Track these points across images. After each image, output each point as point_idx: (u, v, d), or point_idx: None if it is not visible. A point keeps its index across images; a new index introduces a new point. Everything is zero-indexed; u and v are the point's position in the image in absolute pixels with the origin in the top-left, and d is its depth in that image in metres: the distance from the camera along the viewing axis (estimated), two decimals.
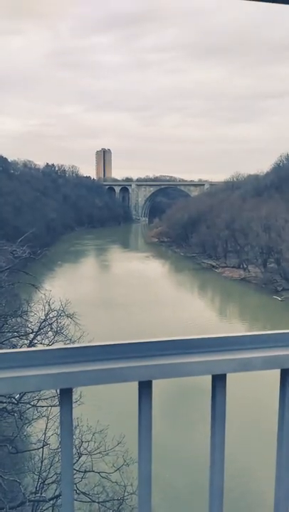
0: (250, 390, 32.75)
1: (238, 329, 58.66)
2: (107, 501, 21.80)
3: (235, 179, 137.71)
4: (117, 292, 75.89)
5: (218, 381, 1.87)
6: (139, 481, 1.86)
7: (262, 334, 1.93)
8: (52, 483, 22.12)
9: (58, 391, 1.74)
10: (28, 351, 1.71)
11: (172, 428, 31.42)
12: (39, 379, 1.64)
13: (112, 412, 32.82)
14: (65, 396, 1.73)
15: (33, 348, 1.76)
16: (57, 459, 22.94)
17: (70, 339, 28.94)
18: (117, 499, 21.67)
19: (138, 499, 1.88)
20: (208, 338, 1.89)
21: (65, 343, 28.43)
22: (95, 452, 22.13)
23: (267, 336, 1.93)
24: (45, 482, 21.98)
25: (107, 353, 1.77)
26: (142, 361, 1.76)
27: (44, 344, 28.95)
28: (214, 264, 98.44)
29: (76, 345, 1.77)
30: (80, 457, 21.92)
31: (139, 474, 1.85)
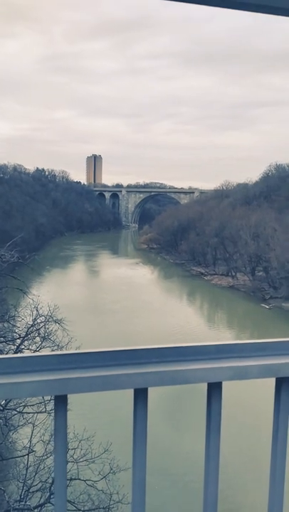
0: (246, 396, 32.75)
1: (226, 337, 58.81)
2: (93, 510, 21.55)
3: (224, 187, 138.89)
4: (106, 298, 75.61)
5: (214, 389, 1.86)
6: (132, 489, 1.84)
7: (257, 342, 1.93)
8: (37, 491, 21.79)
9: (53, 398, 1.72)
10: (23, 357, 1.69)
11: (166, 434, 31.20)
12: (34, 385, 1.62)
13: (97, 418, 32.54)
14: (60, 403, 1.71)
15: (28, 354, 1.74)
16: (42, 467, 22.62)
17: (58, 345, 28.71)
18: (103, 508, 21.44)
19: (131, 508, 1.86)
20: (204, 346, 1.89)
21: (52, 349, 28.17)
22: (81, 460, 21.89)
23: (262, 344, 1.93)
24: (30, 490, 21.64)
25: (102, 359, 1.76)
26: (137, 368, 1.75)
27: (31, 350, 28.65)
28: (203, 271, 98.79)
29: (72, 351, 1.75)
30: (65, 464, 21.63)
31: (132, 483, 1.83)
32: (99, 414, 33.48)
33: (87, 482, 22.01)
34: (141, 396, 1.78)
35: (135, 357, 1.79)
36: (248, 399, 33.81)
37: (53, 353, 1.73)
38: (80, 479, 21.36)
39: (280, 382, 1.93)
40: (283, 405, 1.95)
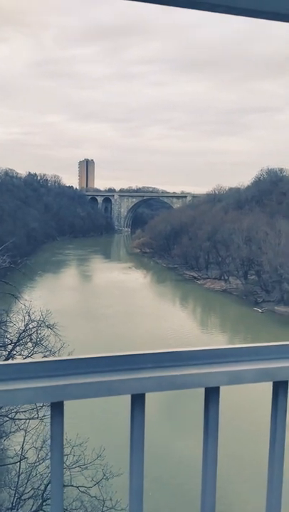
0: (243, 400, 32.61)
1: (219, 340, 58.89)
2: None
3: (217, 192, 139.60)
4: (98, 303, 75.38)
5: (212, 394, 1.85)
6: (130, 497, 1.82)
7: (254, 346, 1.93)
8: (29, 498, 21.55)
9: (49, 404, 1.70)
10: (19, 364, 1.66)
11: (164, 438, 30.98)
12: (30, 392, 1.59)
13: (89, 423, 32.32)
14: (57, 410, 1.68)
15: (23, 361, 1.71)
16: (34, 473, 22.39)
17: (50, 350, 28.54)
18: None
19: None
20: (201, 350, 1.88)
21: (44, 355, 27.98)
22: (74, 466, 21.71)
23: (259, 349, 1.93)
24: (22, 497, 21.40)
25: (99, 365, 1.74)
26: (134, 374, 1.73)
27: (23, 355, 28.43)
28: (196, 275, 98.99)
29: (67, 357, 1.73)
30: None
31: (130, 490, 1.81)
32: (91, 419, 33.26)
33: (80, 488, 21.83)
34: (138, 402, 1.77)
35: (132, 362, 1.78)
36: (245, 403, 33.75)
37: (49, 359, 1.71)
38: (72, 486, 21.16)
39: (277, 386, 1.93)
40: (280, 409, 1.94)
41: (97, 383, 1.67)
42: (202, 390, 1.85)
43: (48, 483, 21.77)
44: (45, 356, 27.53)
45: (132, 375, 1.73)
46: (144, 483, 1.81)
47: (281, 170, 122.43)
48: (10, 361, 1.76)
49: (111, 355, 1.77)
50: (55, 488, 1.74)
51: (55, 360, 1.70)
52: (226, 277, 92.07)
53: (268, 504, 2.01)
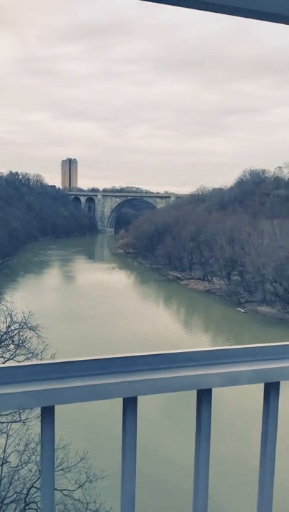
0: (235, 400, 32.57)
1: (202, 341, 59.24)
2: None
3: (200, 192, 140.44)
4: (81, 304, 74.94)
5: (204, 396, 1.84)
6: (121, 503, 1.79)
7: (246, 348, 1.92)
8: (11, 502, 21.25)
9: (40, 409, 1.65)
10: (8, 367, 1.61)
11: (156, 440, 30.84)
12: (19, 397, 1.55)
13: (72, 426, 32.05)
14: (47, 414, 1.64)
15: (13, 364, 1.66)
16: (17, 477, 22.09)
17: (33, 352, 28.28)
18: None
19: None
20: (193, 352, 1.86)
21: (27, 357, 27.70)
22: (57, 469, 21.51)
23: (251, 350, 1.92)
24: (4, 502, 21.09)
25: (90, 368, 1.71)
26: (126, 377, 1.71)
27: (5, 358, 28.06)
28: (180, 275, 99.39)
29: (58, 360, 1.69)
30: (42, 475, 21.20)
31: (122, 494, 1.78)
32: (77, 422, 33.01)
33: (64, 492, 21.64)
34: (130, 405, 1.74)
35: (124, 365, 1.75)
36: (237, 403, 33.75)
37: (38, 362, 1.67)
38: (56, 489, 20.95)
39: (269, 387, 1.93)
40: (272, 410, 1.94)
41: (88, 387, 1.63)
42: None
43: (31, 486, 21.53)
44: (27, 359, 27.27)
45: (124, 378, 1.70)
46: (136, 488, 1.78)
47: (263, 171, 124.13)
48: None
49: (102, 357, 1.74)
50: (46, 493, 1.70)
51: (45, 364, 1.66)
52: (210, 278, 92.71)
53: (259, 504, 2.01)
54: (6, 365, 1.67)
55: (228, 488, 25.94)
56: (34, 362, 1.69)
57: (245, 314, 73.35)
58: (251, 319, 70.55)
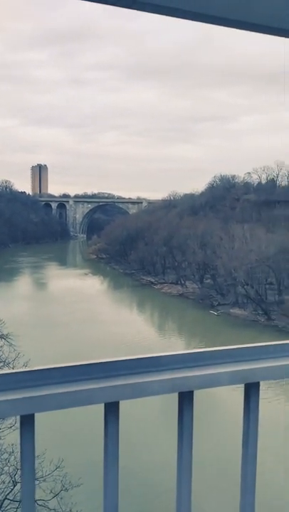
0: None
1: (177, 344, 59.50)
2: None
3: (172, 198, 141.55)
4: (54, 311, 73.92)
5: (185, 398, 1.83)
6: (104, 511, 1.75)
7: (226, 349, 1.94)
8: None
9: (18, 418, 1.60)
10: None
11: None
12: None
13: (48, 434, 31.44)
14: (27, 423, 1.59)
15: None
16: None
17: (4, 361, 27.71)
18: None
19: None
20: (174, 355, 1.86)
21: None
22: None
23: (231, 351, 1.94)
24: None
25: (70, 374, 1.67)
26: (107, 382, 1.68)
27: None
28: (153, 280, 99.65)
29: (37, 367, 1.65)
30: (14, 486, 20.66)
31: (104, 505, 1.74)
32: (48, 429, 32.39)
33: (38, 502, 21.15)
34: (112, 410, 1.71)
35: (104, 370, 1.73)
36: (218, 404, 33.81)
37: (17, 370, 1.62)
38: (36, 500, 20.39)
39: (249, 388, 1.95)
40: (253, 411, 1.96)
41: (68, 393, 1.60)
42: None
43: (4, 498, 20.92)
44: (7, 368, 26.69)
45: (105, 383, 1.68)
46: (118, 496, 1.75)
47: (233, 177, 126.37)
48: None
49: (83, 363, 1.71)
50: (27, 506, 1.64)
51: (24, 372, 1.61)
52: (183, 282, 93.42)
53: (241, 505, 2.01)
54: None
55: (210, 490, 26.00)
56: (12, 370, 1.65)
57: (218, 317, 74.28)
58: (224, 322, 71.50)
